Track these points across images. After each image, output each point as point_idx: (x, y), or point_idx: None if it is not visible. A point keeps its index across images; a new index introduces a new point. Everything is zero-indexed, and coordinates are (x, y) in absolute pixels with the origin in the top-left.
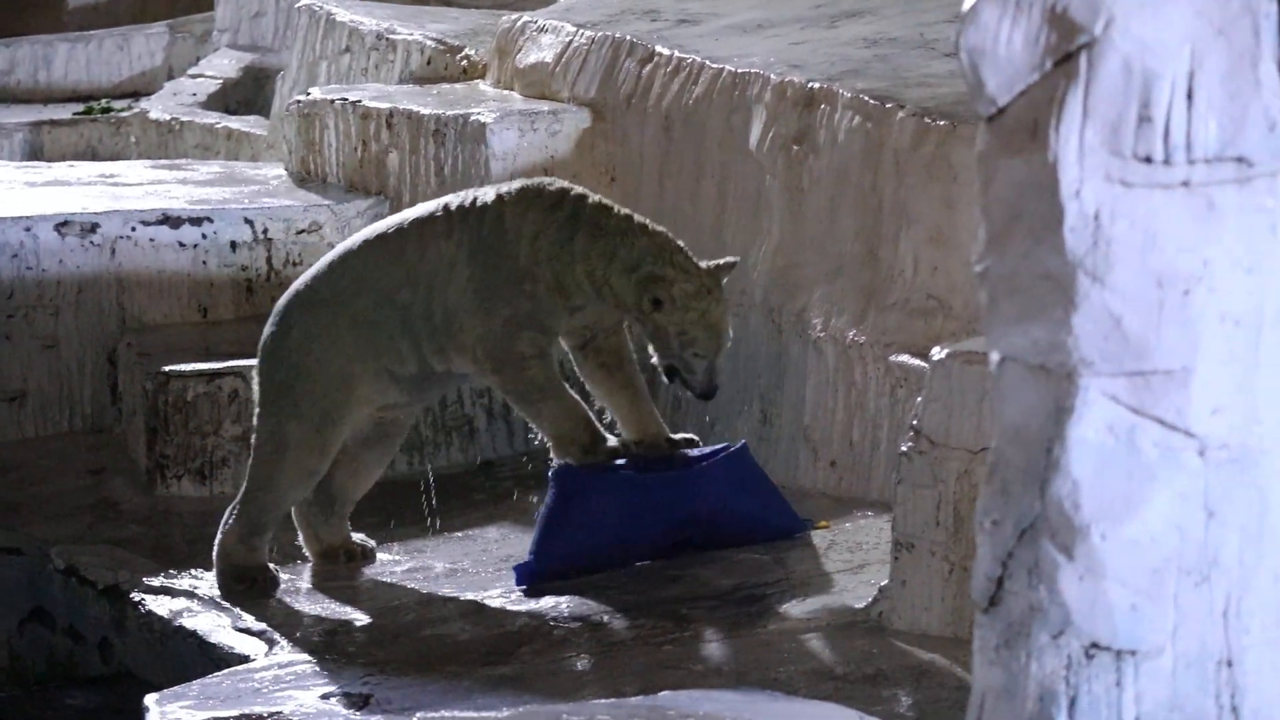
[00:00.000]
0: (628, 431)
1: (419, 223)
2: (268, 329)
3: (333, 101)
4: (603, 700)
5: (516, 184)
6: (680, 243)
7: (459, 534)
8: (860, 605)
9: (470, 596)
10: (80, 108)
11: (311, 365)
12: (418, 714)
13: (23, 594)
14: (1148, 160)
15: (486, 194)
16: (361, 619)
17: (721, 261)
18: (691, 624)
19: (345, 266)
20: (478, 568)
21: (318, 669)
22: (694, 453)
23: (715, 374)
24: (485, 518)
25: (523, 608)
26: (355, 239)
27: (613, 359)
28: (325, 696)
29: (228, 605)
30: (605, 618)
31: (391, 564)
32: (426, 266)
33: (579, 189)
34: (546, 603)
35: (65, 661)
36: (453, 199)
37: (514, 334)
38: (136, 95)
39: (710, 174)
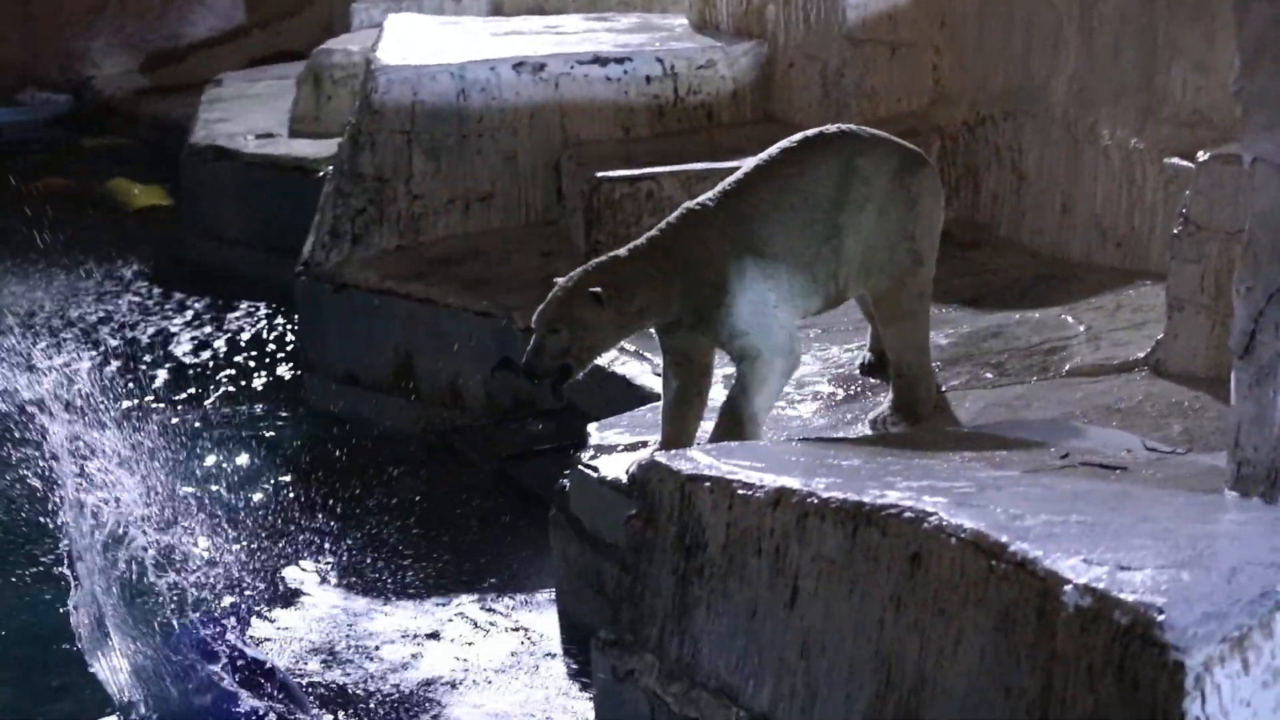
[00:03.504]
0: None
1: None
2: None
3: None
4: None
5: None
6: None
7: None
8: (1141, 354)
9: None
10: None
11: None
12: None
13: (493, 347)
14: None
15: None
16: None
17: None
18: (1009, 371)
19: None
20: None
21: None
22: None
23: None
24: None
25: None
26: None
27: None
28: None
29: (648, 355)
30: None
31: None
32: None
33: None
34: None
35: (526, 398)
36: None
37: None
38: None
39: (1019, 15)
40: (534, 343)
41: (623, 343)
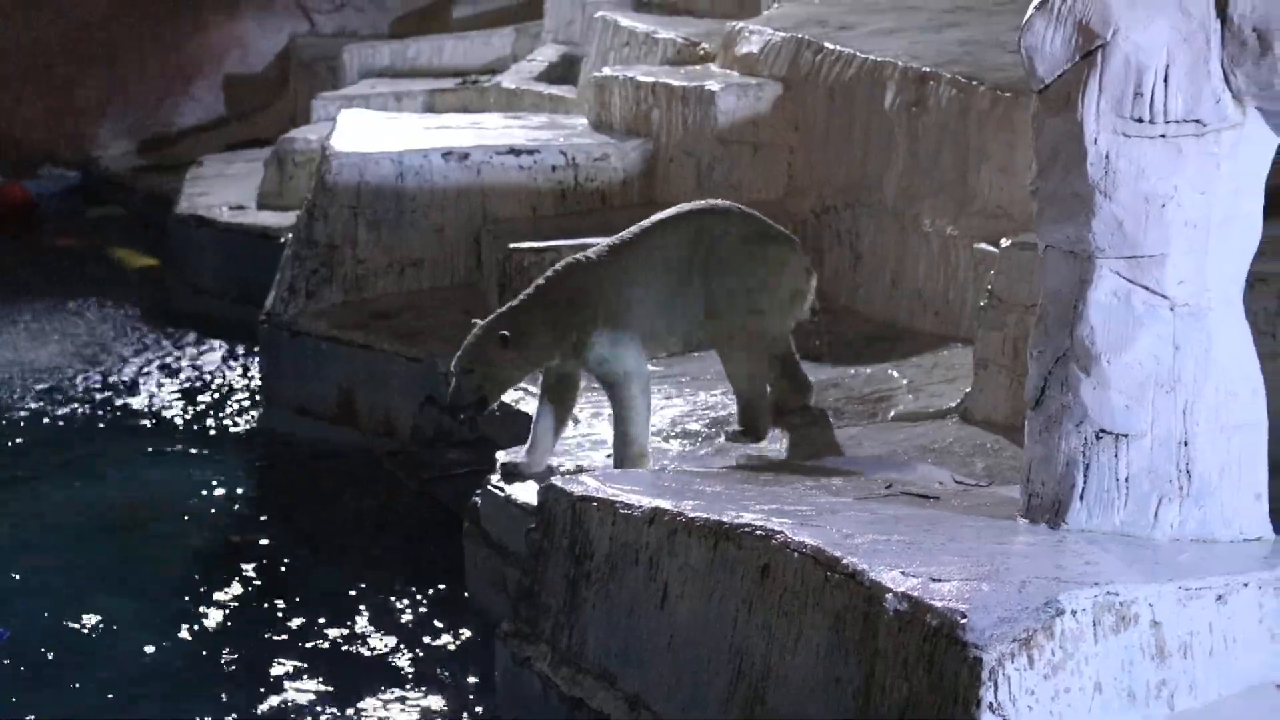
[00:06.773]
0: None
1: None
2: None
3: (617, 77)
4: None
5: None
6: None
7: None
8: (953, 404)
9: None
10: (459, 80)
11: None
12: None
13: (420, 387)
14: (1139, 120)
15: None
16: None
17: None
18: (845, 415)
19: None
20: None
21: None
22: None
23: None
24: None
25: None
26: None
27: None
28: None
29: None
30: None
31: None
32: None
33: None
34: None
35: (447, 430)
36: None
37: None
38: (494, 72)
39: (858, 124)
40: (454, 384)
41: (526, 386)
